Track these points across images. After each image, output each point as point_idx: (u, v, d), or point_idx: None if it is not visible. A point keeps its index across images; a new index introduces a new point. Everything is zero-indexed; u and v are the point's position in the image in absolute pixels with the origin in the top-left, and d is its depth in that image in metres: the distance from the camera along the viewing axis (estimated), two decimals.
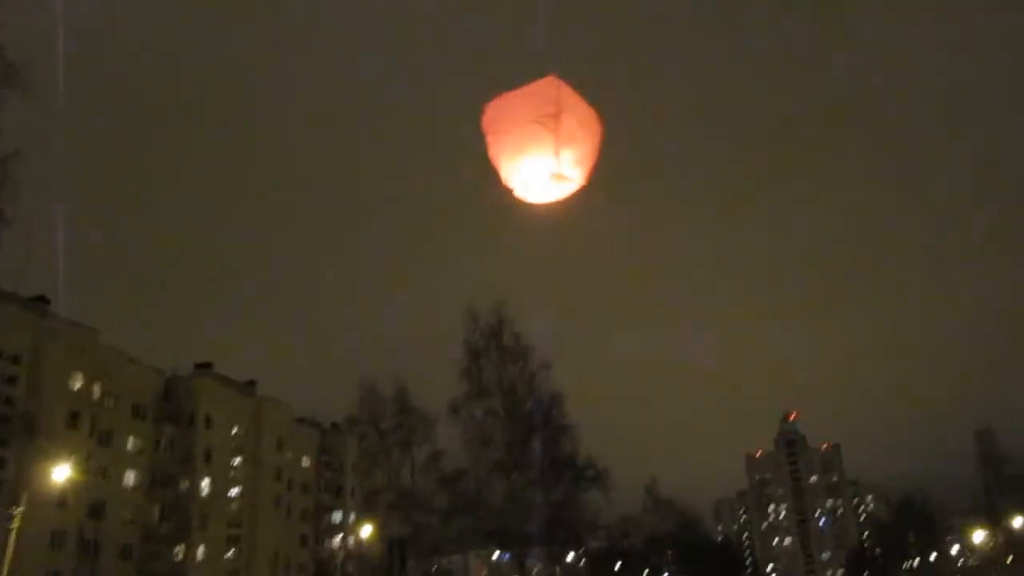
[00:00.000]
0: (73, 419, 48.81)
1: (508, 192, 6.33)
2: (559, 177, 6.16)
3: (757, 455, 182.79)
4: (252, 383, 67.82)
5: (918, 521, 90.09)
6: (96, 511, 49.60)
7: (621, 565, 68.41)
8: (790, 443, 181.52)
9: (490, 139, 6.25)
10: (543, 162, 6.07)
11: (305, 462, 69.75)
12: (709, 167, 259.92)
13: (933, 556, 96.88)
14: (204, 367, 62.65)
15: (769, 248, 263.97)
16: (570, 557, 54.30)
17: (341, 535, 70.48)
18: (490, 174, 6.49)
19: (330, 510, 71.00)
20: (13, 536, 33.92)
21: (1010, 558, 70.69)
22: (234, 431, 61.71)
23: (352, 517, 68.60)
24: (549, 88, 6.02)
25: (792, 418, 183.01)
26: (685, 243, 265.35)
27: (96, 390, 50.94)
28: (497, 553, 45.98)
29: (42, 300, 50.31)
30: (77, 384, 49.79)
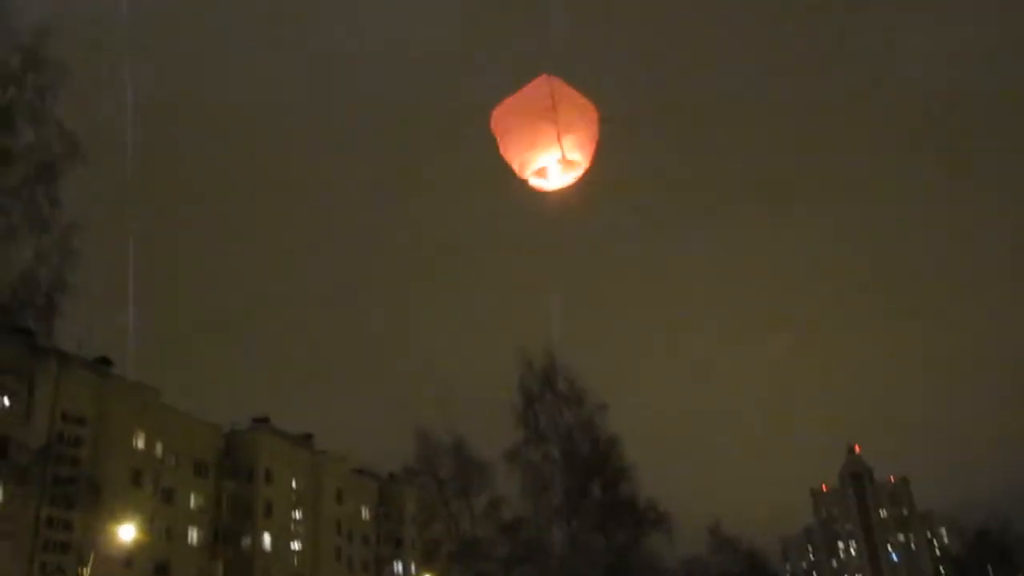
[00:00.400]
0: (137, 478, 49.64)
1: (523, 184, 7.11)
2: (565, 162, 6.95)
3: (822, 490, 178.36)
4: (309, 436, 68.34)
5: (997, 553, 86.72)
6: (161, 569, 50.11)
7: None
8: (856, 477, 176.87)
9: (500, 140, 7.06)
10: (549, 151, 6.88)
11: (364, 513, 69.81)
12: (740, 188, 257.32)
13: None
14: (262, 422, 63.34)
15: (817, 270, 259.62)
16: None
17: None
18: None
19: (391, 561, 70.79)
20: None
21: None
22: (294, 485, 62.11)
23: (413, 567, 68.28)
24: (543, 85, 6.88)
25: (856, 450, 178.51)
26: (725, 269, 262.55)
27: (158, 448, 51.80)
28: None
29: (105, 362, 51.49)
30: (140, 443, 50.69)
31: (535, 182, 7.06)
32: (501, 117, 7.04)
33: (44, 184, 18.92)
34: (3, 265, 18.91)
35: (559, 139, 6.77)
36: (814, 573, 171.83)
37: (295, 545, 60.77)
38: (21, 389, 31.89)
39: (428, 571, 53.67)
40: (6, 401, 39.93)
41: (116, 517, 41.41)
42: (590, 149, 6.98)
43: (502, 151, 7.04)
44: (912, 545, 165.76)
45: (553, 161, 6.89)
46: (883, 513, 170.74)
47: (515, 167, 7.01)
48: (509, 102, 7.00)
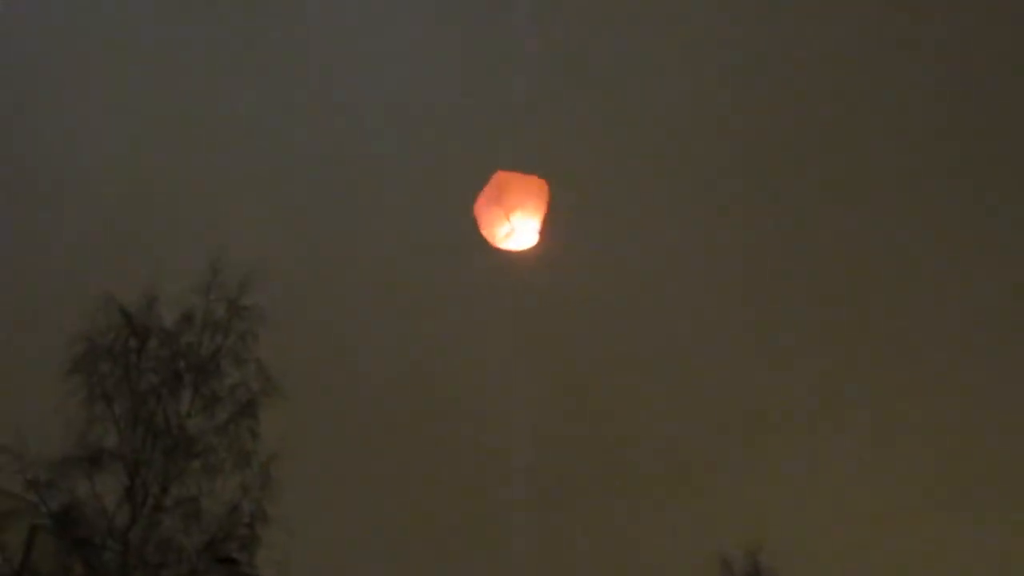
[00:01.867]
0: None
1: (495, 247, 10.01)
2: (516, 229, 9.64)
3: None
4: None
5: None
6: None
7: None
8: None
9: (480, 224, 9.91)
10: (505, 224, 9.62)
11: None
12: None
13: None
14: None
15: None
16: None
17: None
18: None
19: None
20: None
21: None
22: None
23: None
24: (496, 181, 9.61)
25: None
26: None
27: None
28: None
29: None
30: None
31: (503, 245, 9.87)
32: (478, 210, 9.85)
33: (247, 420, 20.29)
34: (211, 499, 20.01)
35: (507, 216, 9.54)
36: None
37: None
38: None
39: None
40: None
41: None
42: (540, 216, 9.71)
43: (483, 232, 9.93)
44: None
45: (508, 229, 9.64)
46: None
47: (491, 239, 9.79)
48: (482, 194, 9.80)
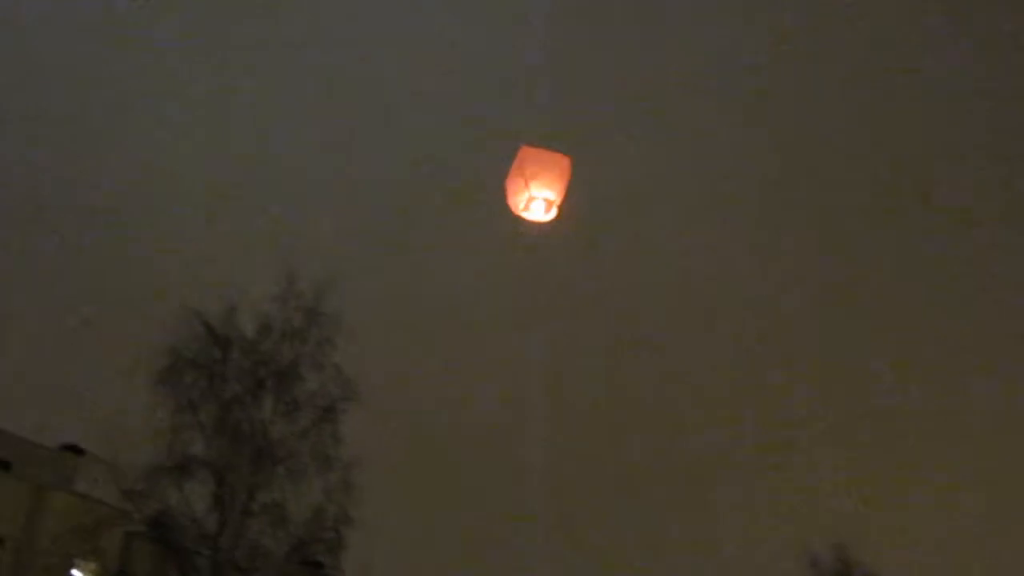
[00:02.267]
0: None
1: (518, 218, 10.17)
2: (533, 199, 9.88)
3: None
4: None
5: None
6: None
7: None
8: None
9: (506, 195, 10.11)
10: (523, 194, 9.89)
11: None
12: None
13: None
14: None
15: None
16: None
17: None
18: None
19: None
20: None
21: None
22: None
23: None
24: (521, 154, 9.92)
25: None
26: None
27: None
28: None
29: None
30: None
31: (524, 215, 10.01)
32: (507, 184, 10.14)
33: (328, 425, 20.60)
34: (297, 503, 20.34)
35: (527, 185, 9.80)
36: None
37: None
38: None
39: None
40: None
41: None
42: (560, 187, 9.90)
43: (509, 203, 10.14)
44: None
45: (528, 199, 9.93)
46: None
47: (512, 207, 10.05)
48: (510, 174, 10.14)
